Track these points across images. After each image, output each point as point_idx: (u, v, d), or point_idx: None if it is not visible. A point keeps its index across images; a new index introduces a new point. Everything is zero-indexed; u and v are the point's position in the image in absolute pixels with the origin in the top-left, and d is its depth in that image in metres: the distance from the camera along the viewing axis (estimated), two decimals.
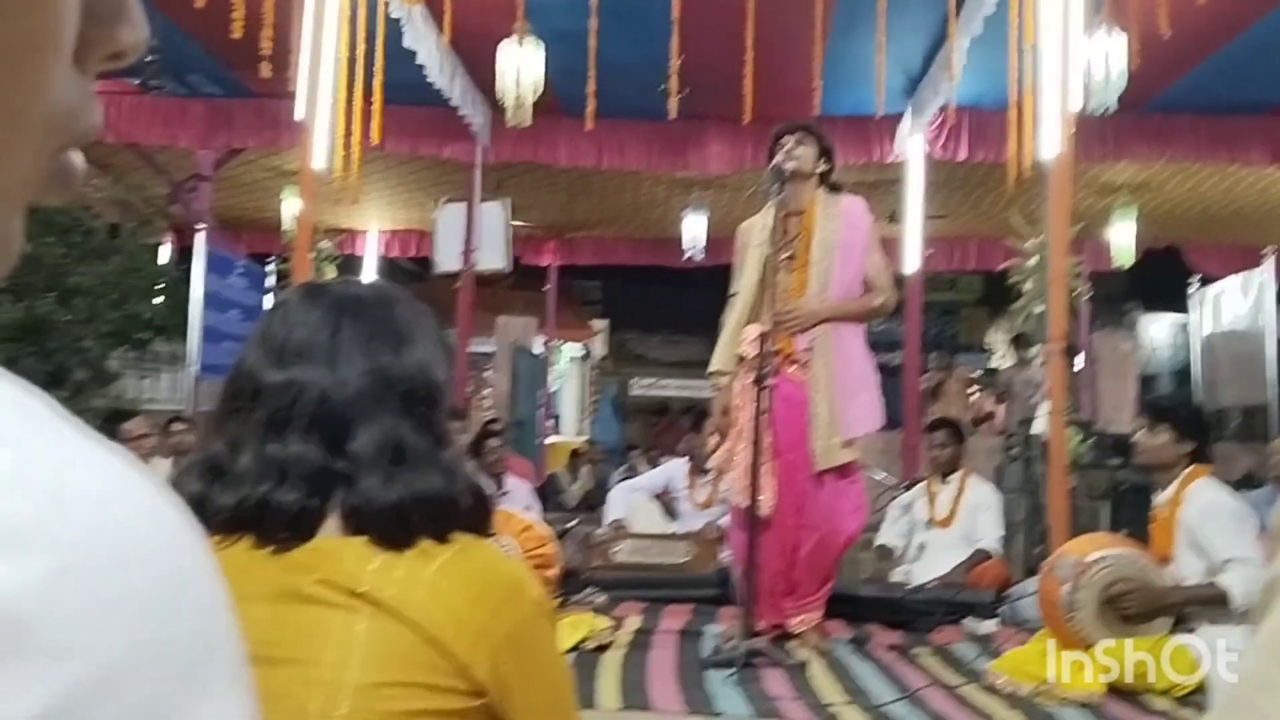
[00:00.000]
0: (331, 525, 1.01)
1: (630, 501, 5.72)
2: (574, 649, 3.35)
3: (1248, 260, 8.22)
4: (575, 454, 10.56)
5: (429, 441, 1.04)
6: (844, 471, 3.69)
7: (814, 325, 3.68)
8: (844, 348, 3.70)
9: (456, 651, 0.95)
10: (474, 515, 1.05)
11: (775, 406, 3.52)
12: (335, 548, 0.99)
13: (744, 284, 3.78)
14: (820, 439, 3.63)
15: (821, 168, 3.83)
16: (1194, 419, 3.56)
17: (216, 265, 7.12)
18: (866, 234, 3.81)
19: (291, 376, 1.03)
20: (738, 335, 3.75)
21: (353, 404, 1.03)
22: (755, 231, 3.83)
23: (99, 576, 0.33)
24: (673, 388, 15.78)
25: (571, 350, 14.45)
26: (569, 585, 4.27)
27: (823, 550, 3.70)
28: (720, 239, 3.85)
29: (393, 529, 0.99)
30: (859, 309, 3.80)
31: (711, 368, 3.81)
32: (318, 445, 1.01)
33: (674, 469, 5.95)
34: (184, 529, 0.37)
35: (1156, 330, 13.59)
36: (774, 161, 3.74)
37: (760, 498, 3.49)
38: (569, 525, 5.44)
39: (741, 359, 3.72)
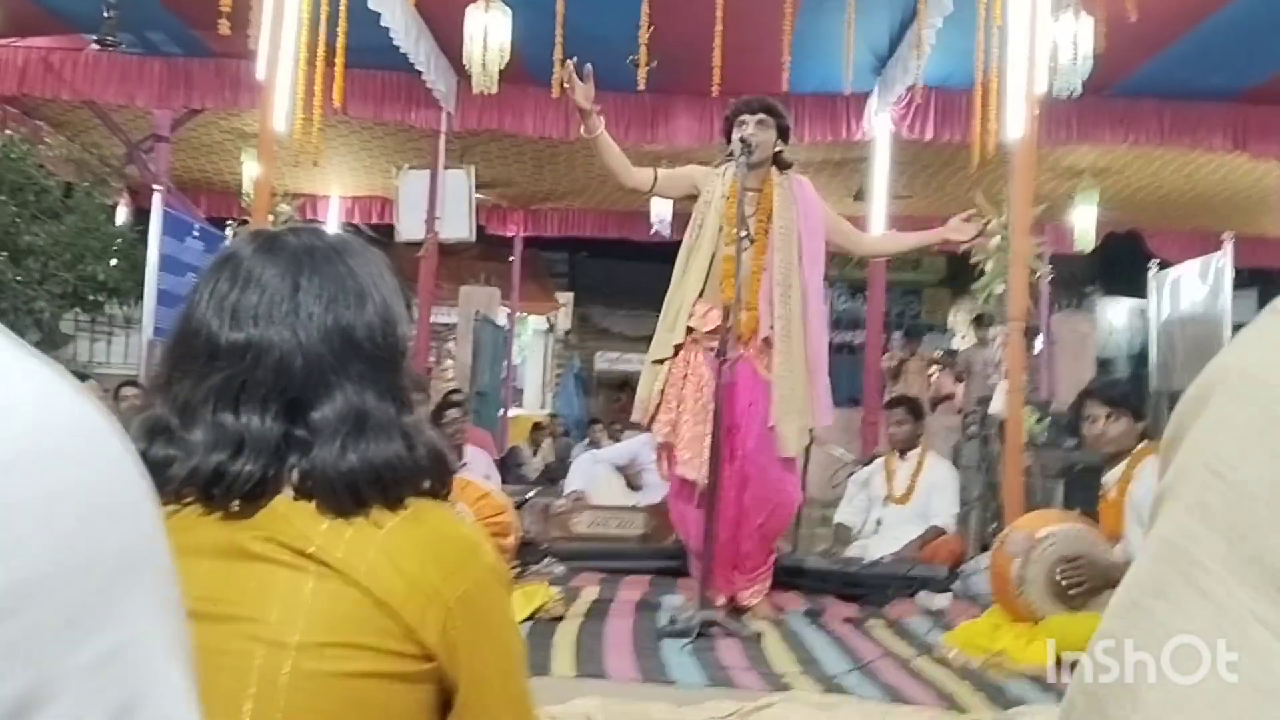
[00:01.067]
0: (285, 490, 0.98)
1: (593, 473, 5.73)
2: (529, 619, 3.36)
3: (1207, 245, 8.33)
4: (537, 427, 10.56)
5: (391, 408, 1.01)
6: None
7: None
8: (814, 327, 3.79)
9: (406, 615, 0.93)
10: (432, 478, 1.03)
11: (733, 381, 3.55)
12: (286, 509, 0.97)
13: (697, 258, 3.79)
14: (788, 422, 3.68)
15: (778, 148, 3.85)
16: (1142, 400, 3.68)
17: (173, 228, 6.98)
18: (822, 212, 3.97)
19: (249, 338, 0.98)
20: (688, 310, 3.76)
21: (314, 369, 0.98)
22: (716, 188, 3.84)
23: (26, 480, 0.32)
24: (636, 362, 15.66)
25: (536, 323, 14.39)
26: (527, 555, 4.26)
27: (774, 521, 3.80)
28: (687, 214, 3.83)
29: (342, 497, 0.96)
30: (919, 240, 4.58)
31: (661, 355, 3.81)
32: (276, 415, 0.97)
33: (640, 443, 5.95)
34: (114, 441, 0.36)
35: (1115, 313, 13.80)
36: (738, 136, 3.74)
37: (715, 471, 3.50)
38: (528, 495, 5.43)
39: (690, 330, 3.73)
